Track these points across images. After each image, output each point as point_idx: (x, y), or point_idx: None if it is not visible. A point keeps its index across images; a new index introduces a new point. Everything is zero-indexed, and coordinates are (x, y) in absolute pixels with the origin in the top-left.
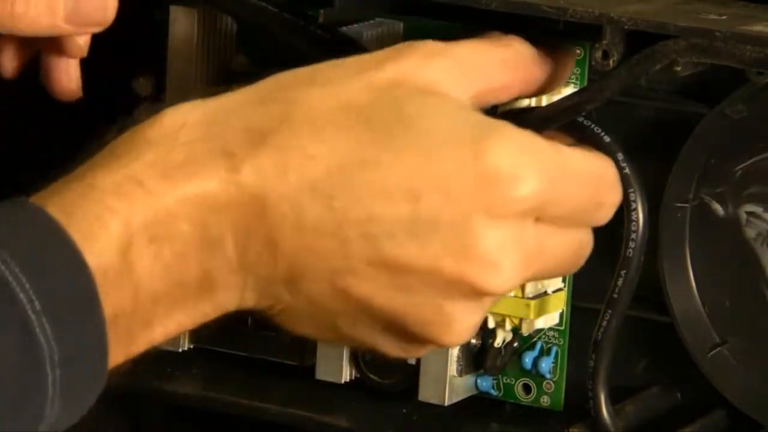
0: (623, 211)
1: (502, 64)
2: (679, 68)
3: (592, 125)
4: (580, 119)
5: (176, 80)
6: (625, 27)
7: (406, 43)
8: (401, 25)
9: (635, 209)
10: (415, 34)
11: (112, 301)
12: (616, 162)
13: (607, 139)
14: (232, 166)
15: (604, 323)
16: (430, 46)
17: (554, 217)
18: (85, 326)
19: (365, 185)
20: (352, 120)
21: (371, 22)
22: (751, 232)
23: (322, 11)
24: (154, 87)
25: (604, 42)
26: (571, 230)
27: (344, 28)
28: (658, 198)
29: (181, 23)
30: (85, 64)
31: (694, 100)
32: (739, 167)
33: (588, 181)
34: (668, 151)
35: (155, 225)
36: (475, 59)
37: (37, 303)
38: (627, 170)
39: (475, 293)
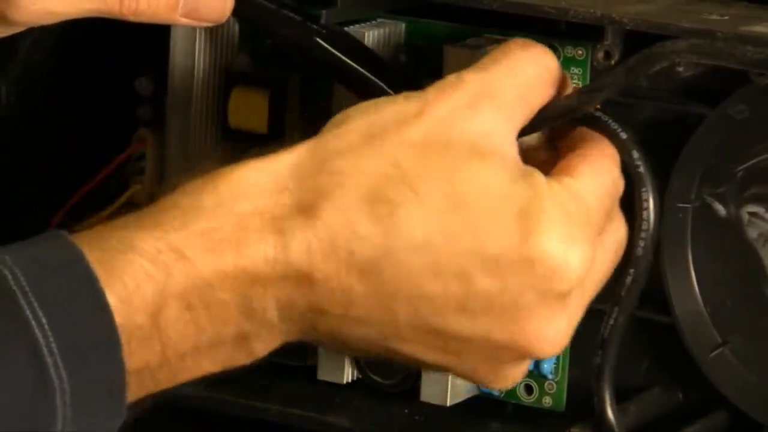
0: (630, 213)
1: (539, 83)
2: (681, 68)
3: (609, 120)
4: (598, 114)
5: (177, 80)
6: (627, 27)
7: (446, 83)
8: (403, 25)
9: (647, 208)
10: (416, 34)
11: (137, 357)
12: (631, 160)
13: (623, 135)
14: (282, 244)
15: (612, 321)
16: (473, 86)
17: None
18: (103, 373)
19: (415, 267)
20: (403, 194)
21: (373, 22)
22: (752, 233)
23: (324, 11)
24: (155, 87)
25: (606, 42)
26: (610, 247)
27: (346, 28)
28: (660, 198)
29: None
30: (85, 64)
31: (696, 101)
32: (740, 168)
33: (601, 207)
34: (670, 151)
35: (193, 293)
36: (517, 90)
37: (56, 349)
38: (641, 169)
39: (526, 357)
